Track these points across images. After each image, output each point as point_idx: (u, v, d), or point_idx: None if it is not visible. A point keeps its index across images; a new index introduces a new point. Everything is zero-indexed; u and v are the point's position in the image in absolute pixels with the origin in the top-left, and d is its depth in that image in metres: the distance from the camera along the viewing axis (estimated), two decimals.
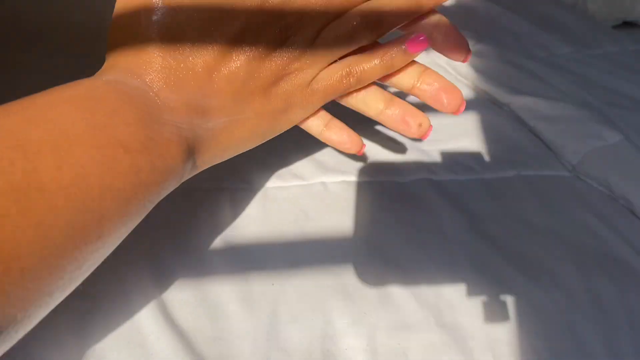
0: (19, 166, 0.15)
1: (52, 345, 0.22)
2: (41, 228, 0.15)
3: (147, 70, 0.21)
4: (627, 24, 0.67)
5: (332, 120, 0.29)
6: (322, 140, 0.29)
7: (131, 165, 0.18)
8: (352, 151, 0.29)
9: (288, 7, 0.23)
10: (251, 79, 0.23)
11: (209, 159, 0.24)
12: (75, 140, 0.17)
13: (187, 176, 0.23)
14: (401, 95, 0.31)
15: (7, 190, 0.14)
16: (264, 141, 0.26)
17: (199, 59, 0.22)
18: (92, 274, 0.25)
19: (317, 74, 0.26)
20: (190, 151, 0.22)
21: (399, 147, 0.36)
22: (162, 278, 0.26)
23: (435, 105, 0.28)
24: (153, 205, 0.21)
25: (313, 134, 0.29)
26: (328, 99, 0.27)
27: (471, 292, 0.27)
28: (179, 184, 0.23)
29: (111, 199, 0.17)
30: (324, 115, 0.29)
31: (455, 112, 0.28)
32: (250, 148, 0.26)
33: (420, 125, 0.28)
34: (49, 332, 0.23)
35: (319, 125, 0.29)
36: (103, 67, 0.22)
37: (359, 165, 0.34)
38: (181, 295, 0.25)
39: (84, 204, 0.16)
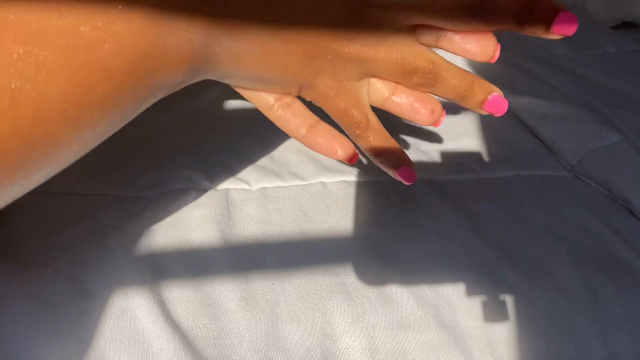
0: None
1: (53, 344, 0.22)
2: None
3: None
4: (626, 24, 0.67)
5: (319, 123, 0.26)
6: (306, 145, 0.26)
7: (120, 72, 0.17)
8: (343, 157, 0.26)
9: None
10: (311, 23, 0.21)
11: (212, 74, 0.21)
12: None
13: (185, 84, 0.21)
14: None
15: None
16: (264, 89, 0.24)
17: None
18: (93, 273, 0.25)
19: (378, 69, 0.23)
20: (195, 65, 0.20)
21: None
22: (163, 277, 0.26)
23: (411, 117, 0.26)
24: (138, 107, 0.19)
25: (295, 137, 0.26)
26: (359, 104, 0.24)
27: (470, 292, 0.27)
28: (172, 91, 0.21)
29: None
30: (309, 116, 0.26)
31: (435, 124, 0.26)
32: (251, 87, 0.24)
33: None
34: (49, 331, 0.23)
35: (300, 126, 0.25)
36: None
37: (359, 165, 0.34)
38: (181, 295, 0.25)
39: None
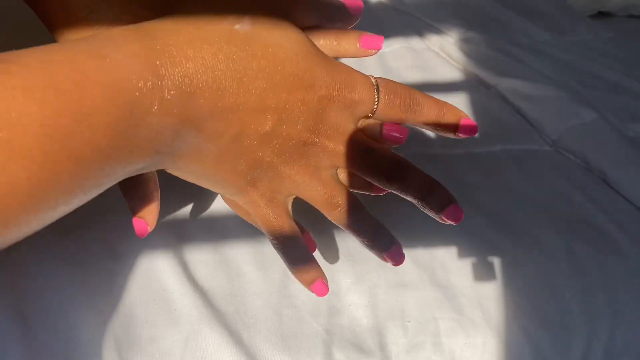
0: None
1: (85, 302, 0.24)
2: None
3: (173, 63, 0.18)
4: (601, 14, 0.70)
5: None
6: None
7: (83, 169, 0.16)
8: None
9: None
10: (275, 137, 0.21)
11: (167, 164, 0.21)
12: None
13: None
14: None
15: None
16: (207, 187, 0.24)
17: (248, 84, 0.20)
18: (123, 237, 0.26)
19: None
20: (158, 156, 0.19)
21: None
22: (185, 241, 0.27)
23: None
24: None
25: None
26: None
27: (462, 254, 0.28)
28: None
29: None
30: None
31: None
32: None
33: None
34: (82, 291, 0.24)
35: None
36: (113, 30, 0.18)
37: None
38: (202, 257, 0.26)
39: None
